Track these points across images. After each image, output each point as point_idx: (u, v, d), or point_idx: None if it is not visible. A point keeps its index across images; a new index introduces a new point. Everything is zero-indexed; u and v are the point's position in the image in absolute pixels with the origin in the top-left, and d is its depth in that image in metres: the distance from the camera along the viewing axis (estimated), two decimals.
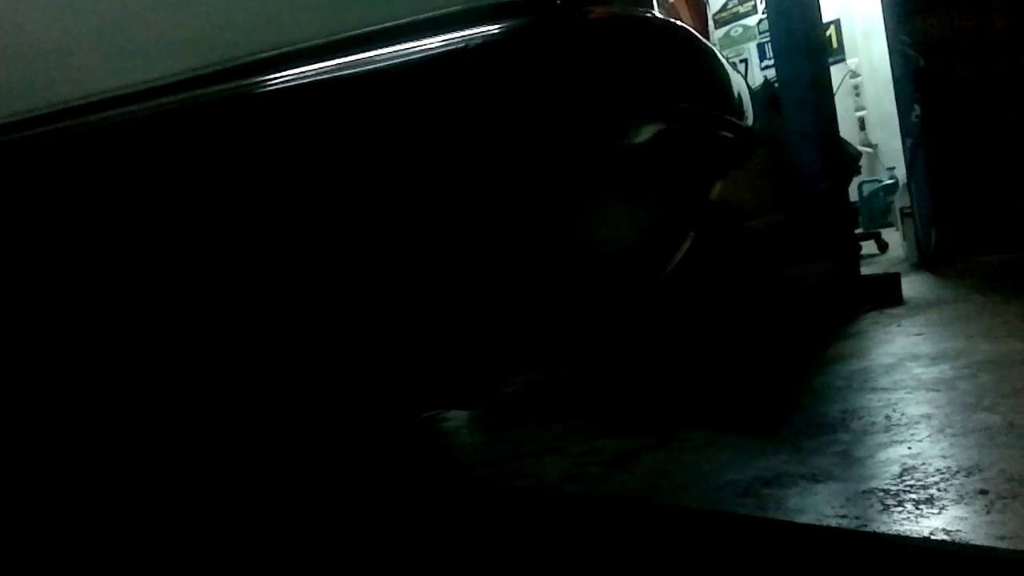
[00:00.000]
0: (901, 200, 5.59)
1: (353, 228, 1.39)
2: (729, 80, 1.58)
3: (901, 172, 7.52)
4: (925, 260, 5.01)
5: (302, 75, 1.32)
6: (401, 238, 1.38)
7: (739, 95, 1.68)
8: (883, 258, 6.29)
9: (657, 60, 1.28)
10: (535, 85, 1.22)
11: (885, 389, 2.54)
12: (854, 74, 9.31)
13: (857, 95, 9.38)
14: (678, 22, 1.41)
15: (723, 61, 1.54)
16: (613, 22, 1.25)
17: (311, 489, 2.17)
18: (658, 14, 1.39)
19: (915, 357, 2.89)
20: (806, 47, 4.13)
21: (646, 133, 1.30)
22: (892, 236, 6.66)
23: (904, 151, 5.22)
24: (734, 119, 1.65)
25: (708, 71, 1.44)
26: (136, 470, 1.73)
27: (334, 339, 1.51)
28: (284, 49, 1.34)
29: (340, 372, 1.61)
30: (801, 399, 2.61)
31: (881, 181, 8.65)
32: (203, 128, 1.38)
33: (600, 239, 1.67)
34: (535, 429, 2.74)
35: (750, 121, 1.83)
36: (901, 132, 5.22)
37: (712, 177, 2.10)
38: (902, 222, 5.47)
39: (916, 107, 4.99)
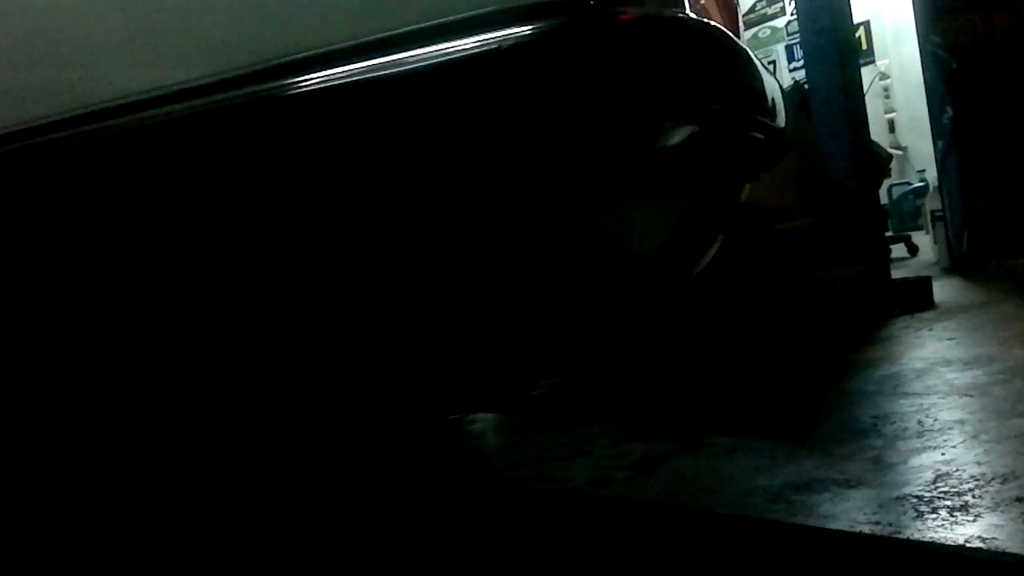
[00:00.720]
0: (932, 203, 5.54)
1: (381, 230, 1.39)
2: (762, 81, 1.56)
3: (931, 175, 7.47)
4: (956, 264, 4.96)
5: (332, 78, 1.32)
6: (429, 240, 1.38)
7: (772, 97, 1.67)
8: (913, 261, 6.23)
9: (690, 61, 1.26)
10: (567, 86, 1.21)
11: (917, 394, 2.51)
12: (884, 76, 9.24)
13: (887, 97, 9.31)
14: (711, 22, 1.40)
15: (756, 62, 1.52)
16: (646, 23, 1.24)
17: (336, 490, 2.17)
18: (690, 14, 1.38)
19: (947, 362, 2.85)
20: (836, 49, 4.09)
21: (679, 135, 1.29)
22: (922, 239, 6.60)
23: (935, 153, 5.17)
24: (767, 121, 1.64)
25: (741, 72, 1.43)
26: (142, 470, 1.73)
27: (364, 341, 1.51)
28: (313, 52, 1.35)
29: (367, 374, 1.61)
30: (832, 404, 2.58)
31: (911, 184, 8.58)
32: (234, 132, 1.39)
33: (630, 241, 1.66)
34: (561, 432, 2.72)
35: (782, 123, 1.81)
36: (932, 134, 5.17)
37: (743, 180, 2.08)
38: (933, 225, 5.42)
39: (948, 109, 4.93)
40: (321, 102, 1.34)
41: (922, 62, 5.17)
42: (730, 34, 1.41)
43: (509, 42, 1.20)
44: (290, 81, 1.35)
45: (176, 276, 1.47)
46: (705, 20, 1.41)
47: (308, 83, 1.34)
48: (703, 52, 1.29)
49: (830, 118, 4.04)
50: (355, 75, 1.30)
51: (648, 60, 1.20)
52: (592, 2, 1.22)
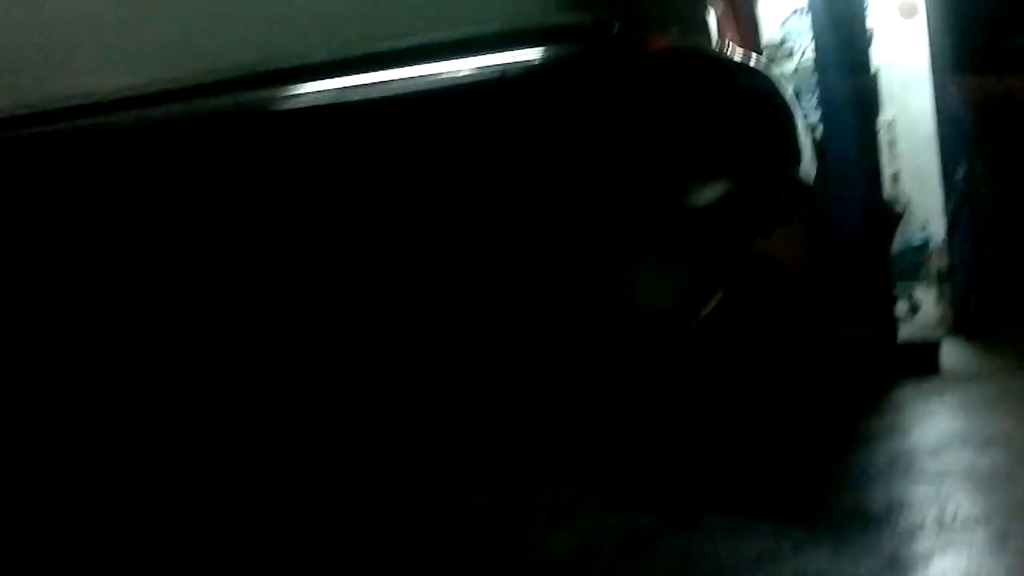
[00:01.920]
0: (939, 260, 5.37)
1: (357, 276, 1.21)
2: (799, 130, 1.36)
3: (934, 230, 7.30)
4: (962, 326, 4.77)
5: (311, 94, 1.14)
6: (420, 290, 1.20)
7: (806, 148, 1.47)
8: (916, 320, 6.03)
9: (728, 107, 1.06)
10: (580, 128, 1.01)
11: (933, 477, 2.30)
12: (889, 128, 9.10)
13: (891, 149, 9.17)
14: (750, 61, 1.20)
15: (795, 106, 1.32)
16: (677, 58, 1.04)
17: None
18: (726, 48, 1.18)
19: (962, 440, 2.65)
20: (855, 102, 3.93)
21: (708, 195, 1.08)
22: (924, 296, 6.41)
23: (946, 211, 5.00)
24: (797, 176, 1.44)
25: (781, 120, 1.23)
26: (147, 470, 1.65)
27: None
28: (294, 63, 1.16)
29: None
30: (840, 482, 2.38)
31: (913, 238, 8.41)
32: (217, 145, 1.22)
33: (630, 297, 1.46)
34: (547, 491, 2.52)
35: (812, 175, 1.61)
36: (944, 191, 5.00)
37: (759, 235, 1.89)
38: (939, 283, 5.24)
39: (962, 166, 4.76)
40: (297, 120, 1.15)
41: (937, 117, 5.01)
42: (769, 73, 1.21)
43: (514, 70, 1.00)
44: (268, 94, 1.17)
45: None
46: (742, 56, 1.21)
47: (286, 99, 1.16)
48: (741, 96, 1.09)
49: (845, 172, 3.84)
50: (336, 95, 1.12)
51: (679, 103, 1.00)
52: (615, 29, 1.02)
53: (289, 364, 1.39)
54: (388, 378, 1.37)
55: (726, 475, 2.52)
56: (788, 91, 1.27)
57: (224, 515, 1.88)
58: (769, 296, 3.49)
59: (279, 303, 1.30)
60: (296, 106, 1.17)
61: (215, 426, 1.54)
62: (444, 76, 1.03)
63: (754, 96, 1.12)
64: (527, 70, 0.99)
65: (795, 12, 8.02)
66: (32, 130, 1.35)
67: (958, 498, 2.11)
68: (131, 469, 1.63)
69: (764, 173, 1.18)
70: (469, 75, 1.01)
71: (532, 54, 1.00)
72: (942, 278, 5.11)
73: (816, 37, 4.18)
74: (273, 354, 1.37)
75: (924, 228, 8.24)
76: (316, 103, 1.14)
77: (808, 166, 1.51)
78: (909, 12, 9.26)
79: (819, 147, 4.15)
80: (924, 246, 7.90)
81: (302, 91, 1.16)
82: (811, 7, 4.26)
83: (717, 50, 1.14)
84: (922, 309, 6.31)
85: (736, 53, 1.18)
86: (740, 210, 1.31)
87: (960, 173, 4.79)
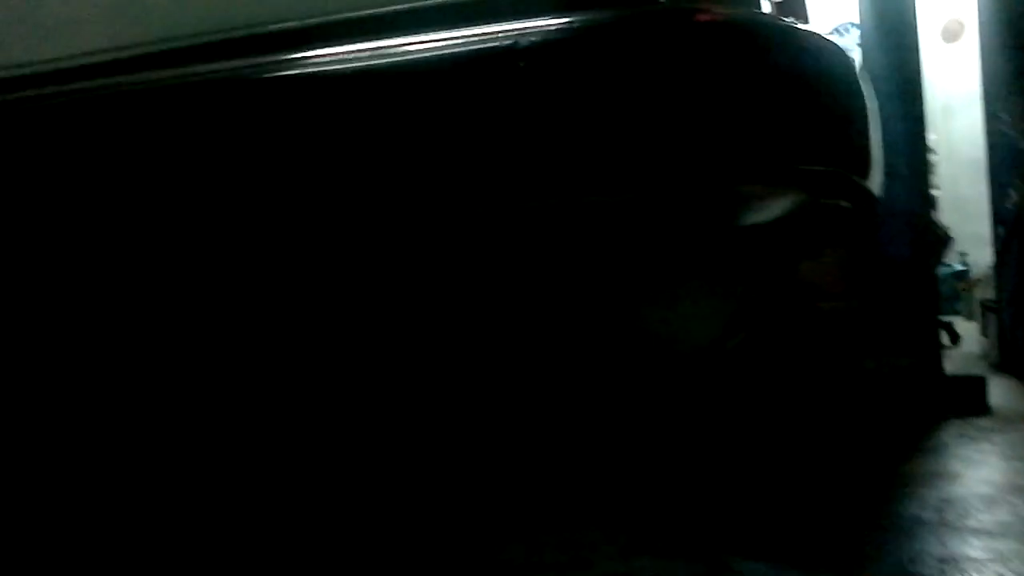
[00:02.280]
0: (982, 291, 5.12)
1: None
2: (870, 123, 1.15)
3: (973, 259, 7.05)
4: (1009, 363, 4.51)
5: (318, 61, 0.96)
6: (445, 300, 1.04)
7: (876, 146, 1.26)
8: (956, 352, 5.77)
9: (798, 92, 0.86)
10: (609, 118, 0.81)
11: (989, 533, 2.07)
12: (930, 152, 8.86)
13: (931, 174, 8.92)
14: (817, 31, 1.00)
15: (866, 89, 1.09)
16: (734, 30, 0.84)
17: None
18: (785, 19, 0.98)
19: (1020, 490, 2.42)
20: (904, 120, 3.71)
21: (772, 209, 0.87)
22: (964, 327, 6.16)
23: (995, 240, 4.74)
24: (865, 184, 1.24)
25: (853, 110, 1.02)
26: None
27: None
28: (295, 24, 0.99)
29: None
30: (885, 531, 2.15)
31: (952, 266, 8.15)
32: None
33: (662, 326, 1.27)
34: (563, 530, 2.31)
35: (878, 184, 1.40)
36: (993, 219, 4.75)
37: (809, 257, 1.69)
38: (984, 316, 4.99)
39: (1013, 193, 4.52)
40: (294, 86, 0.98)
41: (987, 141, 4.76)
42: (843, 49, 1.00)
43: (529, 39, 0.80)
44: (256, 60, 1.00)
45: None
46: (811, 29, 1.01)
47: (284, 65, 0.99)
48: (812, 79, 0.89)
49: (894, 194, 3.61)
50: (358, 58, 0.94)
51: (740, 88, 0.79)
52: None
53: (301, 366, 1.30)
54: (414, 394, 1.25)
55: (758, 518, 2.30)
56: (862, 71, 1.06)
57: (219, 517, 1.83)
58: (807, 322, 3.29)
59: (288, 297, 1.17)
60: (296, 71, 0.99)
61: (213, 421, 1.50)
62: (447, 47, 0.83)
63: (822, 77, 0.91)
64: (544, 40, 0.78)
65: (835, 29, 7.79)
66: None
67: (1020, 558, 1.89)
68: (127, 468, 1.58)
69: (831, 178, 0.97)
70: (475, 46, 0.81)
71: (555, 20, 0.80)
72: (986, 310, 4.86)
73: (864, 53, 3.96)
74: (281, 355, 1.27)
75: (964, 256, 8.00)
76: (321, 69, 0.97)
77: (876, 171, 1.31)
78: (952, 36, 9.04)
79: None
80: (963, 273, 7.65)
81: (306, 55, 0.99)
82: (861, 23, 4.06)
83: (785, 21, 0.93)
84: (963, 342, 6.05)
85: (805, 25, 0.97)
86: (797, 224, 1.11)
87: (1010, 202, 4.54)
